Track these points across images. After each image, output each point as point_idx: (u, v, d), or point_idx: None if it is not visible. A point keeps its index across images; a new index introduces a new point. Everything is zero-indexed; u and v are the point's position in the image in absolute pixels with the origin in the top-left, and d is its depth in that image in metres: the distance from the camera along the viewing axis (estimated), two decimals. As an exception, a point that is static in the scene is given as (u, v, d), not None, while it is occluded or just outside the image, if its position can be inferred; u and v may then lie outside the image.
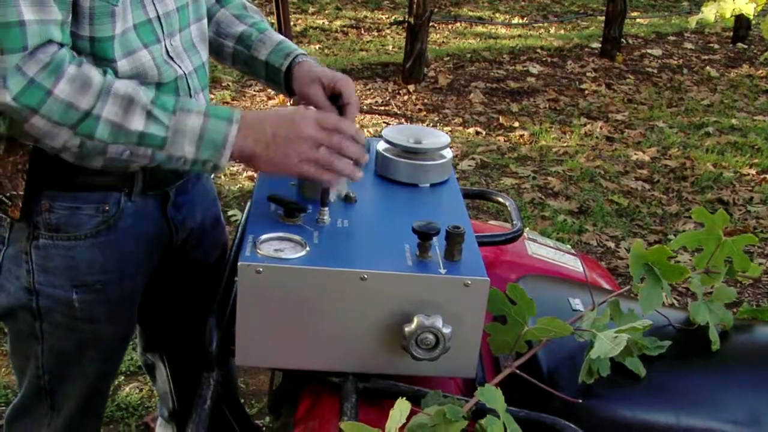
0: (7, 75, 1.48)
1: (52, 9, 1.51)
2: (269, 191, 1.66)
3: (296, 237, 1.53)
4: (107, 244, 1.80)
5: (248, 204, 1.86)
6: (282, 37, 2.00)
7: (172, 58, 1.75)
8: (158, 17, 1.71)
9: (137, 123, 1.55)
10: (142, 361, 2.48)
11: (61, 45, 1.53)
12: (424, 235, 1.50)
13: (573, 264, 2.22)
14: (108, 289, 1.84)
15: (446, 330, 1.46)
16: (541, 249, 2.24)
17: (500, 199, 2.24)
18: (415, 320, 1.46)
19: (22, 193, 1.69)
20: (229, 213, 4.85)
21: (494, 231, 2.14)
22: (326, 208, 1.61)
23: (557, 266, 2.16)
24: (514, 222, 2.09)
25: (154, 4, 1.70)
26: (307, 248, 1.50)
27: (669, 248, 1.71)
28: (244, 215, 1.93)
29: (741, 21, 10.04)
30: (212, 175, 2.17)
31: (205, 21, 1.90)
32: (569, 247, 2.41)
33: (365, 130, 6.48)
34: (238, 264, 1.45)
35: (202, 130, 1.58)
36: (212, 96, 6.75)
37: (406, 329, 1.46)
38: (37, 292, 1.80)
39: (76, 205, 1.75)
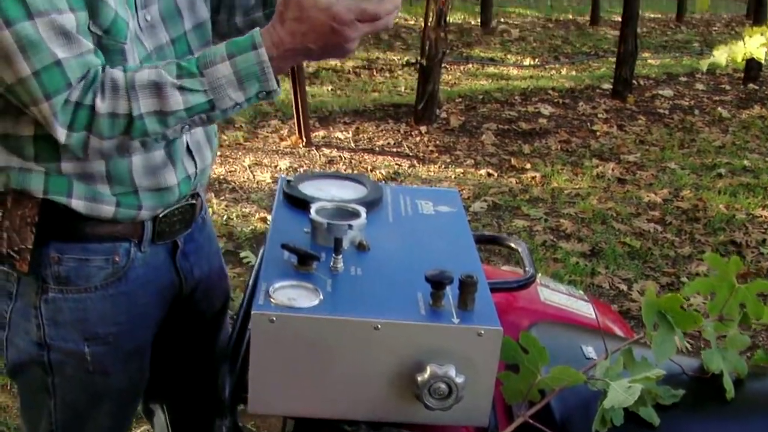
0: (57, 113, 1.50)
1: (81, 42, 1.52)
2: (282, 238, 1.67)
3: (309, 285, 1.53)
4: (118, 295, 1.79)
5: (261, 250, 1.86)
6: None
7: None
8: (151, 52, 1.72)
9: (176, 102, 1.53)
10: (141, 408, 2.44)
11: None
12: (437, 284, 1.50)
13: (586, 310, 2.21)
14: (120, 341, 1.83)
15: (459, 379, 1.45)
16: (553, 295, 2.23)
17: (513, 245, 2.23)
18: (428, 369, 1.45)
19: (30, 246, 1.68)
20: (242, 254, 4.86)
21: (507, 277, 2.13)
22: (340, 257, 1.61)
23: (570, 313, 2.16)
24: (527, 268, 2.08)
25: (147, 39, 1.71)
26: (321, 297, 1.50)
27: (682, 295, 1.70)
28: (257, 262, 1.93)
29: (752, 61, 10.05)
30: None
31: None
32: (582, 292, 2.41)
33: (377, 171, 6.50)
34: (252, 313, 1.45)
35: (237, 73, 1.54)
36: (224, 137, 6.79)
37: (419, 378, 1.46)
38: (48, 347, 1.78)
39: (86, 257, 1.74)
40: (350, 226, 1.70)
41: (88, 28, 1.56)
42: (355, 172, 6.48)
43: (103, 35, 1.58)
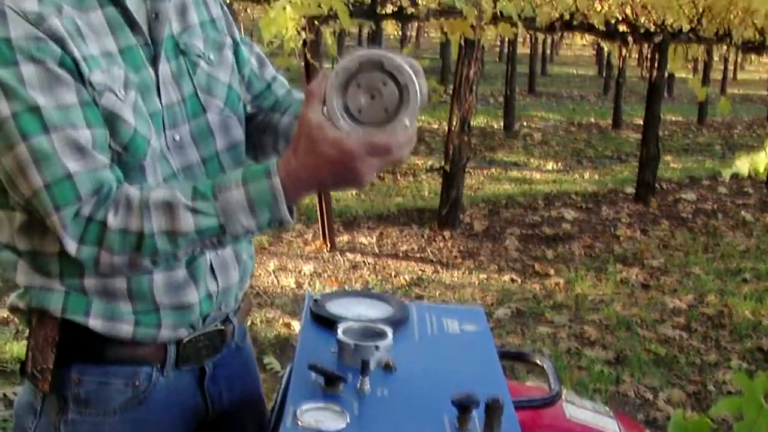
0: (67, 225, 1.52)
1: (95, 157, 1.54)
2: (310, 357, 1.68)
3: (336, 408, 1.54)
4: (138, 419, 1.77)
5: (288, 368, 1.87)
6: None
7: None
8: (177, 171, 1.73)
9: (187, 224, 1.53)
10: None
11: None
12: (464, 408, 1.51)
13: (611, 427, 2.21)
14: None
15: (485, 504, 1.45)
16: (578, 412, 2.23)
17: (537, 362, 2.24)
18: (455, 494, 1.46)
19: (51, 366, 1.69)
20: (265, 360, 4.86)
21: (532, 393, 2.14)
22: (366, 378, 1.62)
23: (595, 430, 2.15)
24: (552, 386, 2.09)
25: (174, 158, 1.72)
26: (348, 420, 1.51)
27: (709, 415, 1.70)
28: (284, 381, 1.94)
29: (774, 166, 10.08)
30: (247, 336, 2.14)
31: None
32: (607, 408, 2.41)
33: (400, 277, 6.52)
34: (280, 436, 1.46)
35: (249, 200, 1.53)
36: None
37: (446, 503, 1.46)
38: None
39: (106, 380, 1.73)
40: (377, 347, 1.72)
41: (109, 144, 1.59)
42: (379, 277, 6.52)
43: (123, 152, 1.61)
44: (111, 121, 1.59)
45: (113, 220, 1.53)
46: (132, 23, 1.66)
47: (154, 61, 1.70)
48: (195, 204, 1.54)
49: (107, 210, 1.53)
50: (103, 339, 1.71)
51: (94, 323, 1.69)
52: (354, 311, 1.93)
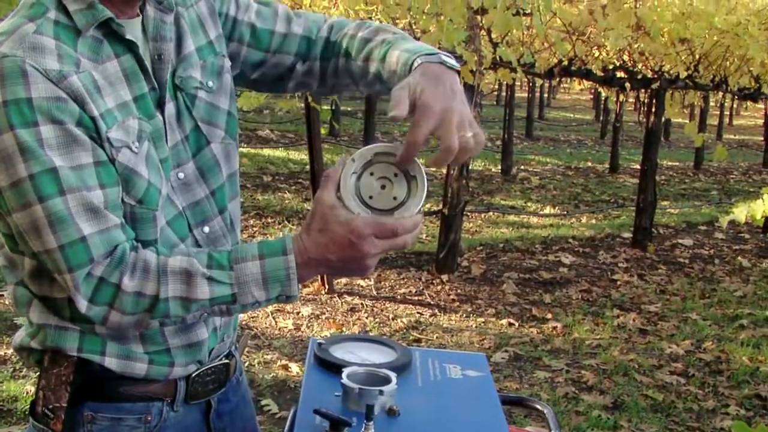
0: (79, 285, 1.54)
1: (108, 217, 1.56)
2: (314, 401, 1.70)
3: (341, 453, 1.56)
4: None
5: (291, 413, 1.89)
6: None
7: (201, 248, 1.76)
8: (184, 209, 1.75)
9: (203, 292, 1.58)
10: None
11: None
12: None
13: (612, 473, 2.22)
14: None
15: None
16: (579, 458, 2.24)
17: (538, 407, 2.26)
18: None
19: (65, 405, 1.70)
20: (263, 402, 4.85)
21: (533, 439, 2.15)
22: (371, 423, 1.64)
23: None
24: (552, 431, 2.11)
25: (179, 197, 1.74)
26: (352, 464, 1.53)
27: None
28: (287, 425, 1.95)
29: (771, 212, 10.11)
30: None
31: (239, 198, 1.91)
32: (607, 454, 2.41)
33: (399, 320, 6.53)
34: (285, 480, 1.47)
35: (263, 273, 1.59)
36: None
37: None
38: None
39: (119, 416, 1.76)
40: (381, 392, 1.74)
41: (122, 199, 1.61)
42: (377, 320, 6.52)
43: (136, 205, 1.64)
44: (127, 176, 1.61)
45: (128, 283, 1.56)
46: (144, 70, 1.68)
47: (160, 104, 1.72)
48: (212, 272, 1.59)
49: (122, 272, 1.56)
50: (117, 377, 1.73)
51: (110, 362, 1.72)
52: (358, 356, 1.95)
